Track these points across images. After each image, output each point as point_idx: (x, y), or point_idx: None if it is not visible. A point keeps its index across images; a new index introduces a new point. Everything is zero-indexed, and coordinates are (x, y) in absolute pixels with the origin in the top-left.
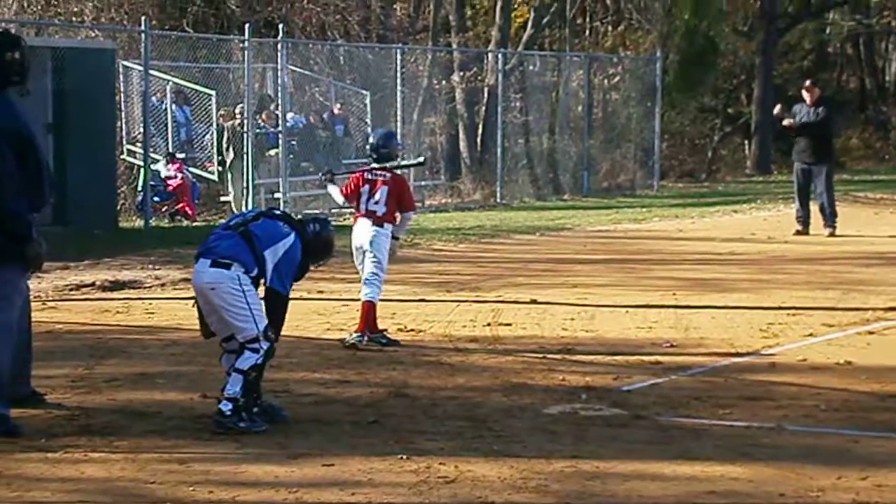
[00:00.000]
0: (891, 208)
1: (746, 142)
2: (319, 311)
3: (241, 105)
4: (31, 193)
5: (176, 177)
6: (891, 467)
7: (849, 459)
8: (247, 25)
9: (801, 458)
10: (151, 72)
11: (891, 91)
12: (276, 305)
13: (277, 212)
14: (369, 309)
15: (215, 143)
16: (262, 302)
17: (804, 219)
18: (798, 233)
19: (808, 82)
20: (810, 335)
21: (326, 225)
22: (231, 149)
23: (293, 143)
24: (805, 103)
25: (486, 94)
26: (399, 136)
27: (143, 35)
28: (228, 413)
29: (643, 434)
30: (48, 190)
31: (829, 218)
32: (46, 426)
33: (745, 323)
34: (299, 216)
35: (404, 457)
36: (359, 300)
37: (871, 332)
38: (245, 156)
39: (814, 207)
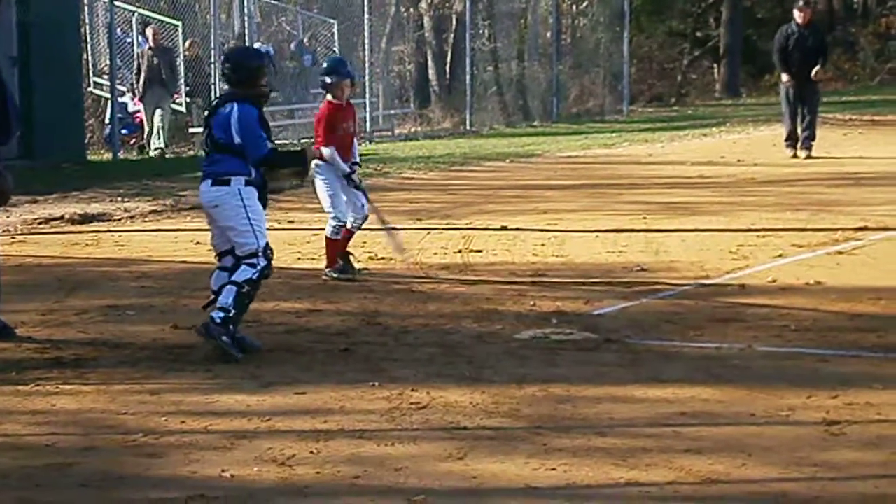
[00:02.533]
0: (859, 129)
1: (715, 65)
2: (289, 242)
3: (151, 26)
4: None
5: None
6: (860, 386)
7: (819, 379)
8: None
9: (771, 379)
10: (116, 3)
11: (858, 12)
12: (272, 163)
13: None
14: (326, 244)
15: (182, 74)
16: (264, 217)
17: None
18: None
19: (801, 2)
20: (780, 256)
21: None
22: (144, 77)
23: None
24: (796, 24)
25: (454, 22)
26: (367, 65)
27: None
28: (219, 321)
29: (614, 357)
30: (15, 123)
31: (809, 140)
32: (17, 359)
33: (714, 245)
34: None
35: (376, 384)
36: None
37: (840, 253)
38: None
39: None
